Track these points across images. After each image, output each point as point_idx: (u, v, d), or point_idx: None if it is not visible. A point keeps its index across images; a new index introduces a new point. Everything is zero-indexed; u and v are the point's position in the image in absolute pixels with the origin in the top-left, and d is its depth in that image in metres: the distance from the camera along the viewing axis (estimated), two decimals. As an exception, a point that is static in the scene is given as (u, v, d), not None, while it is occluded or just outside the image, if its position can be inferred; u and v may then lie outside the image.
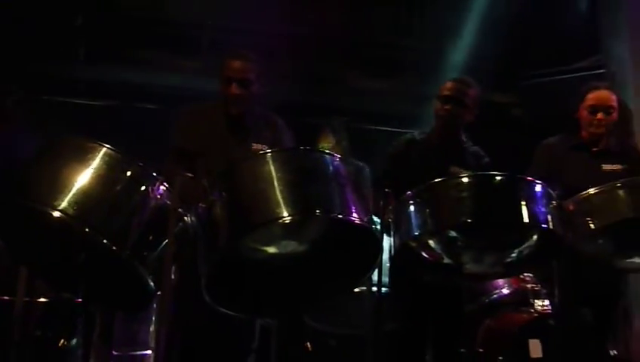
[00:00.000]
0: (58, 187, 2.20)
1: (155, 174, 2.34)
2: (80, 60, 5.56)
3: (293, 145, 3.12)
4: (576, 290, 2.88)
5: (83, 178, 2.23)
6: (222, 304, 2.32)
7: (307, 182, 2.20)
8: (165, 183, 2.34)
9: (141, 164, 2.33)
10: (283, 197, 2.12)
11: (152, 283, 2.29)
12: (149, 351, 3.63)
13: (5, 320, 3.02)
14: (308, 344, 3.72)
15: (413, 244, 2.59)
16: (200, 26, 5.78)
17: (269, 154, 2.36)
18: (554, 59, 5.94)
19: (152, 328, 3.62)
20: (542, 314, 3.80)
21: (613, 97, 3.34)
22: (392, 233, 2.58)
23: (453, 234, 2.53)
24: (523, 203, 2.43)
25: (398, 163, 3.26)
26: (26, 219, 2.32)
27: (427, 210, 2.47)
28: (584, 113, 3.34)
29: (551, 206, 2.50)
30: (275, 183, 2.15)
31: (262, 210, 2.14)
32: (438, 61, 5.87)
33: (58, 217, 2.15)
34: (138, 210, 2.27)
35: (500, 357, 3.68)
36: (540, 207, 2.46)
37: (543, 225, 2.47)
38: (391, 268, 2.96)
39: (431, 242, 2.60)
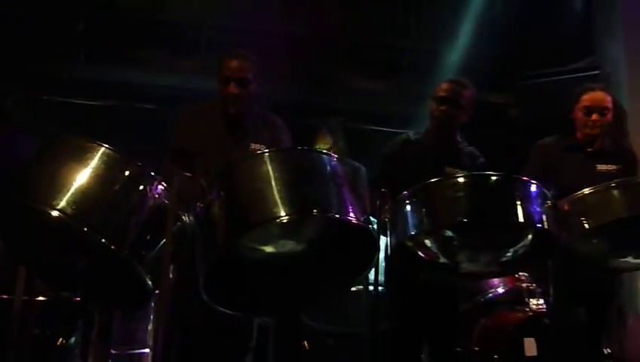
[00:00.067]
0: (57, 186, 2.21)
1: (153, 174, 2.35)
2: (80, 60, 5.57)
3: (291, 145, 3.14)
4: (571, 289, 2.89)
5: (82, 178, 2.24)
6: (220, 303, 2.34)
7: (304, 182, 2.22)
8: (163, 183, 2.35)
9: (139, 163, 2.33)
10: (280, 197, 2.14)
11: (150, 282, 2.30)
12: (147, 350, 3.63)
13: (4, 319, 3.02)
14: (305, 343, 3.73)
15: (410, 244, 2.60)
16: (199, 27, 5.80)
17: (267, 154, 2.38)
18: (550, 60, 5.96)
19: (150, 327, 3.62)
20: (537, 313, 3.81)
21: (608, 98, 3.36)
22: (388, 232, 2.60)
23: (449, 233, 2.54)
24: (518, 203, 2.44)
25: (393, 163, 3.28)
26: (25, 218, 2.33)
27: (423, 210, 2.48)
28: (579, 114, 3.37)
29: (546, 206, 2.52)
30: (273, 183, 2.17)
31: (259, 210, 2.16)
32: (434, 62, 5.90)
33: (57, 216, 2.16)
34: (136, 209, 2.29)
35: (496, 356, 3.69)
36: (535, 206, 2.48)
37: (538, 225, 2.48)
38: (386, 268, 2.98)
39: (427, 241, 2.61)
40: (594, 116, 3.32)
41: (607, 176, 3.09)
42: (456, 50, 5.98)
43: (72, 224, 2.22)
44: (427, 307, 3.13)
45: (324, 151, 2.51)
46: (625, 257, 2.88)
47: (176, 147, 3.13)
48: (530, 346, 3.59)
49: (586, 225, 2.64)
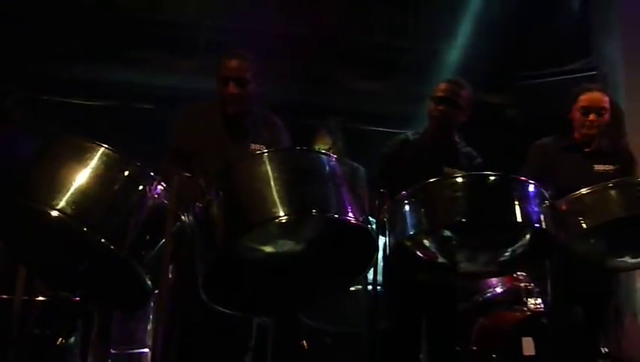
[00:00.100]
0: (56, 186, 2.20)
1: (152, 174, 2.35)
2: (79, 60, 5.57)
3: (290, 146, 3.15)
4: (569, 289, 2.90)
5: (81, 178, 2.23)
6: (219, 303, 2.34)
7: (303, 182, 2.22)
8: (163, 183, 2.35)
9: (139, 163, 2.33)
10: (279, 197, 2.14)
11: (149, 282, 2.30)
12: (146, 350, 3.64)
13: (4, 319, 3.02)
14: (304, 342, 3.74)
15: (408, 243, 2.60)
16: (197, 27, 5.80)
17: (266, 154, 2.38)
18: (548, 60, 5.97)
19: (149, 326, 3.63)
20: (535, 313, 3.82)
21: (605, 99, 3.37)
22: (387, 232, 2.61)
23: (447, 233, 2.55)
24: (516, 202, 2.45)
25: (391, 163, 3.29)
26: (25, 218, 2.33)
27: (422, 210, 2.49)
28: (576, 114, 3.38)
29: (544, 205, 2.53)
30: (272, 183, 2.17)
31: (259, 210, 2.16)
32: (432, 62, 5.90)
33: (56, 216, 2.16)
34: (136, 209, 2.28)
35: (494, 355, 3.70)
36: (532, 206, 2.49)
37: (536, 225, 2.49)
38: (385, 267, 2.99)
39: (425, 241, 2.62)
40: (591, 116, 3.33)
41: (605, 176, 3.10)
42: (454, 51, 5.99)
43: (71, 224, 2.22)
44: (426, 307, 3.14)
45: (323, 151, 2.52)
46: (622, 257, 2.89)
47: (175, 147, 3.13)
48: (528, 345, 3.61)
49: (584, 225, 2.65)
